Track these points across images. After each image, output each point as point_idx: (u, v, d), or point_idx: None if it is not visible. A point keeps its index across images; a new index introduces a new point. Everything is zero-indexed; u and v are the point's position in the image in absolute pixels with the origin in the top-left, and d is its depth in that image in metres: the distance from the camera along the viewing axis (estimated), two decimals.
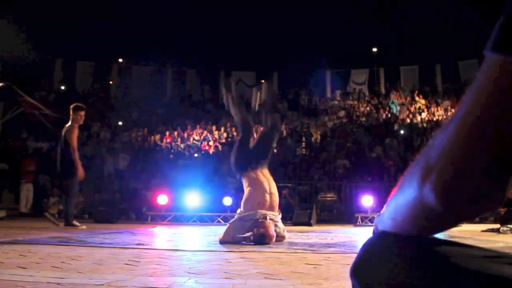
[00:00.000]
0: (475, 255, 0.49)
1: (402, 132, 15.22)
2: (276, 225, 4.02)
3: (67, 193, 6.42)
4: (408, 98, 18.53)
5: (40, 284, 1.70)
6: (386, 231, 0.58)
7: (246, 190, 4.25)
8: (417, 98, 18.07)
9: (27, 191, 11.04)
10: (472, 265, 0.47)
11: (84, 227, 6.16)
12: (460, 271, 0.47)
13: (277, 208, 4.23)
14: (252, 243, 3.76)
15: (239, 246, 3.74)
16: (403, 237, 0.55)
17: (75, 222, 6.24)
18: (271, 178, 4.33)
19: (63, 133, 6.51)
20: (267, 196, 4.12)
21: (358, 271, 0.57)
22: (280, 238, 4.09)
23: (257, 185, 4.18)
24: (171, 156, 14.10)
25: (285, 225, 4.45)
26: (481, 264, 0.47)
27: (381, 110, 17.66)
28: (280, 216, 4.26)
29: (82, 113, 6.54)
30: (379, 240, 0.58)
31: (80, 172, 6.34)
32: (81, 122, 6.61)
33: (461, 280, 0.46)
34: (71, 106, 6.63)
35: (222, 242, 3.93)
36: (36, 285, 1.67)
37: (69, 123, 6.53)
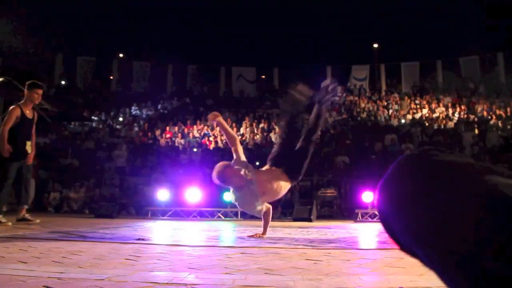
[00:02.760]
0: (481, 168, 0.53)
1: (402, 128, 15.20)
2: None
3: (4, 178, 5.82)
4: (407, 98, 18.51)
5: (40, 279, 1.70)
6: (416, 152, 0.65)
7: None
8: (418, 99, 18.05)
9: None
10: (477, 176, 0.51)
11: None
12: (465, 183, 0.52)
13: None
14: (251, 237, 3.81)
15: (239, 241, 3.75)
16: (423, 157, 0.61)
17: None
18: None
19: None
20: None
21: (385, 184, 0.63)
22: None
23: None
24: (171, 151, 14.10)
25: (285, 221, 4.45)
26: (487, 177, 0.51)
27: (381, 107, 17.63)
28: None
29: (40, 91, 5.97)
30: (408, 158, 0.63)
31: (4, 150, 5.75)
32: (37, 102, 6.01)
33: (465, 192, 0.50)
34: (27, 83, 5.98)
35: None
36: (36, 280, 1.68)
37: (22, 101, 5.95)
